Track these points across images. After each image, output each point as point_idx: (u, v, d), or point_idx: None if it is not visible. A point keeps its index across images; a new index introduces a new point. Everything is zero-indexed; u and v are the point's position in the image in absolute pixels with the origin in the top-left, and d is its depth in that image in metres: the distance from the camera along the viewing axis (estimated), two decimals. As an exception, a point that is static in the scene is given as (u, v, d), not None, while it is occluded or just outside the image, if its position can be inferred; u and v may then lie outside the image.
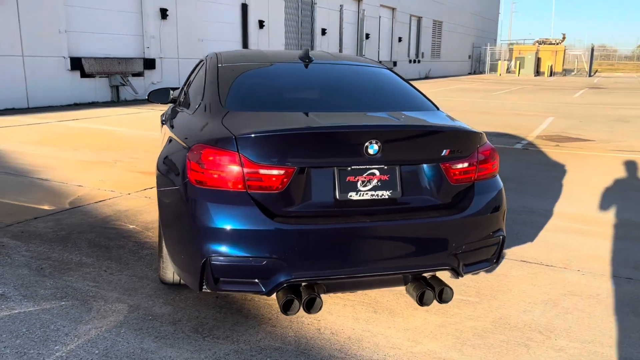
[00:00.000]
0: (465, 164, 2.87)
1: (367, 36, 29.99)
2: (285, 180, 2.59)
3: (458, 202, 2.86)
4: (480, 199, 2.88)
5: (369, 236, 2.63)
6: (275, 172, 2.58)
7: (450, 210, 2.82)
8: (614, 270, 3.81)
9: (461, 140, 2.88)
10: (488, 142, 3.07)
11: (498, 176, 3.12)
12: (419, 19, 38.07)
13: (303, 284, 2.69)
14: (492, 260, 3.02)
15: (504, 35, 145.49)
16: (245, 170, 2.57)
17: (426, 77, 38.28)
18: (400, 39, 34.74)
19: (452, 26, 44.36)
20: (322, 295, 3.25)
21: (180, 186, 2.71)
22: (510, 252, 4.14)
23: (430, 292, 2.78)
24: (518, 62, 44.17)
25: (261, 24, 21.16)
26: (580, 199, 5.80)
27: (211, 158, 2.59)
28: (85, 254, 3.88)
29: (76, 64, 14.22)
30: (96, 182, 6.08)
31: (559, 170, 7.24)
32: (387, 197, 2.74)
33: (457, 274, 2.85)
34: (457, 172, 2.85)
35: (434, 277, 2.92)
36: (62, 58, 13.88)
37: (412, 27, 36.76)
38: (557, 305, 3.27)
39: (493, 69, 48.65)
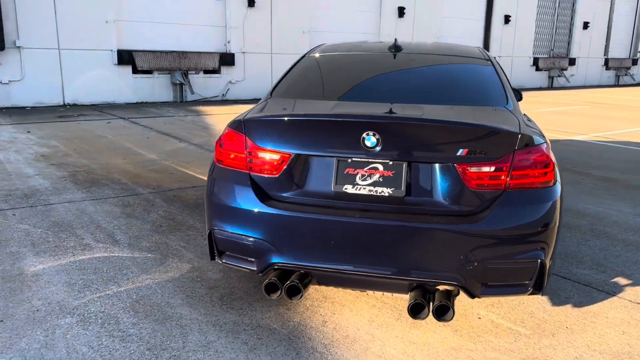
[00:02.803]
0: (491, 168, 2.48)
1: (647, 30, 25.65)
2: (281, 165, 2.64)
3: (476, 211, 2.49)
4: (507, 210, 2.45)
5: (360, 233, 2.50)
6: (272, 156, 2.65)
7: (462, 219, 2.48)
8: None
9: (487, 140, 2.48)
10: (541, 146, 2.57)
11: (555, 189, 2.58)
12: None
13: (298, 271, 2.70)
14: (526, 287, 2.54)
15: None
16: (249, 152, 2.70)
17: None
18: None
19: None
20: (352, 291, 3.17)
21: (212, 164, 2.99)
22: (632, 291, 3.33)
23: (422, 304, 2.50)
24: None
25: (507, 19, 20.01)
26: None
27: (227, 139, 2.79)
28: (199, 220, 4.47)
29: (127, 58, 12.58)
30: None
31: None
32: (387, 194, 2.55)
33: (469, 293, 2.50)
34: (477, 177, 2.48)
35: (445, 292, 2.60)
36: (110, 51, 12.39)
37: None
38: (631, 362, 2.56)
39: None
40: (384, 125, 2.52)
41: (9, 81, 11.50)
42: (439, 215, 2.50)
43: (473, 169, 2.48)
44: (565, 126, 10.87)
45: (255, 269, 2.71)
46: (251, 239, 2.66)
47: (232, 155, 2.77)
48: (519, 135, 2.50)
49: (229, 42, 14.21)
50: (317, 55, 3.72)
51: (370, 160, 2.56)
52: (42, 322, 2.79)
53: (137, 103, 13.01)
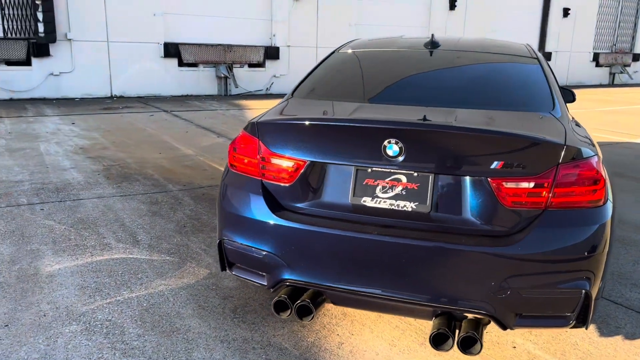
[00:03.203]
0: (530, 184, 2.17)
1: None
2: (295, 173, 2.42)
3: (511, 232, 2.20)
4: (547, 232, 2.15)
5: (379, 252, 2.25)
6: (285, 163, 2.43)
7: (495, 240, 2.19)
8: None
9: (526, 152, 2.18)
10: (590, 160, 2.24)
11: (605, 209, 2.25)
12: None
13: (310, 289, 2.48)
14: (568, 319, 2.23)
15: None
16: (262, 157, 2.49)
17: None
18: None
19: None
20: (376, 314, 2.93)
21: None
22: (692, 322, 2.93)
23: (446, 335, 2.22)
24: None
25: (566, 12, 19.02)
26: None
27: (242, 143, 2.59)
28: (224, 221, 4.32)
29: (173, 51, 12.61)
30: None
31: None
32: (410, 209, 2.29)
33: (500, 324, 2.21)
34: (514, 193, 2.18)
35: (474, 321, 2.31)
36: (157, 44, 12.45)
37: None
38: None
39: None
40: (408, 132, 2.25)
41: (60, 73, 11.77)
42: (469, 236, 2.22)
43: (509, 185, 2.18)
44: (625, 127, 10.16)
45: (265, 284, 2.51)
46: (261, 252, 2.45)
47: (245, 160, 2.57)
48: (564, 147, 2.19)
49: (274, 35, 14.08)
50: (346, 51, 3.47)
51: (392, 170, 2.30)
52: (46, 329, 2.68)
53: (181, 96, 13.08)
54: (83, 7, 11.70)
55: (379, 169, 2.32)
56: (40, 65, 11.56)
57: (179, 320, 2.82)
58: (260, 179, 2.51)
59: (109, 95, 12.34)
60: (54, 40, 11.47)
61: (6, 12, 11.06)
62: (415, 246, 2.20)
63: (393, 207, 2.31)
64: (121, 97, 12.37)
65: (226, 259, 2.63)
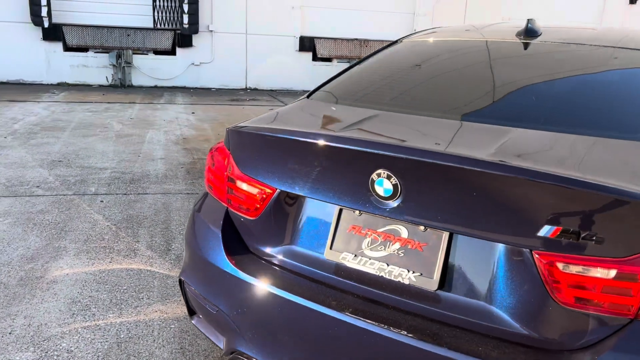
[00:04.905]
0: (610, 272, 1.22)
1: None
2: (261, 204, 1.71)
3: (574, 346, 1.27)
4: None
5: (355, 343, 1.47)
6: (249, 188, 1.74)
7: (543, 357, 1.28)
8: None
9: (607, 215, 1.23)
10: None
11: None
12: None
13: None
14: None
15: None
16: (229, 177, 1.83)
17: None
18: None
19: None
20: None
21: None
22: None
23: None
24: None
25: None
26: None
27: (218, 156, 1.95)
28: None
29: (308, 44, 12.38)
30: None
31: None
32: (408, 282, 1.46)
33: None
34: (577, 283, 1.25)
35: None
36: (292, 37, 12.30)
37: None
38: None
39: None
40: (407, 163, 1.42)
41: (200, 63, 12.16)
42: (499, 342, 1.34)
43: (570, 268, 1.25)
44: None
45: (222, 348, 1.85)
46: (215, 307, 1.80)
47: (214, 179, 1.92)
48: None
49: (415, 30, 13.15)
50: (412, 40, 2.64)
51: (388, 218, 1.49)
52: None
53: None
54: (226, -1, 11.94)
55: (370, 214, 1.52)
56: (183, 55, 12.04)
57: (146, 365, 2.28)
58: (225, 206, 1.86)
59: (244, 87, 12.48)
60: (196, 32, 11.87)
61: (157, 3, 11.66)
62: (406, 349, 1.38)
63: (383, 274, 1.50)
64: (255, 89, 12.43)
65: (187, 305, 2.02)
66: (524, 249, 1.30)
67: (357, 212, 1.55)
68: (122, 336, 2.47)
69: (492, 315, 1.36)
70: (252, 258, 1.75)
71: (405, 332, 1.39)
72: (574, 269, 1.25)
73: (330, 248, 1.59)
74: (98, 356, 2.32)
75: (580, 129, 1.64)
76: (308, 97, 2.23)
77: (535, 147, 1.54)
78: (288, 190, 1.65)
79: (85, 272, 3.06)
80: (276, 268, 1.69)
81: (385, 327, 1.42)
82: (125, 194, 4.47)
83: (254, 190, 1.72)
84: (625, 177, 1.33)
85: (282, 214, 1.69)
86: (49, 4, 10.80)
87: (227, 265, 1.72)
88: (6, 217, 3.81)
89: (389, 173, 1.41)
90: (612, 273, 1.22)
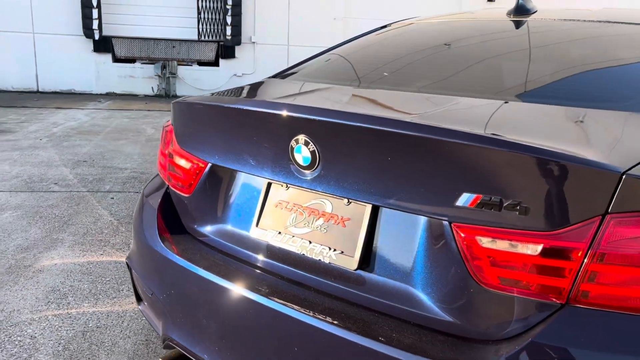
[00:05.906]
0: (538, 247, 1.03)
1: None
2: (193, 180, 1.60)
3: (496, 337, 1.08)
4: (571, 350, 0.99)
5: (272, 326, 1.32)
6: (185, 164, 1.63)
7: (466, 346, 1.09)
8: None
9: (532, 180, 1.03)
10: None
11: None
12: None
13: None
14: None
15: None
16: (169, 153, 1.73)
17: None
18: None
19: None
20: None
21: None
22: None
23: None
24: None
25: None
26: None
27: (163, 133, 1.86)
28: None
29: None
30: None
31: None
32: (328, 260, 1.30)
33: None
34: (503, 261, 1.06)
35: None
36: None
37: None
38: None
39: None
40: (325, 126, 1.26)
41: (242, 74, 12.31)
42: (418, 329, 1.16)
43: (490, 243, 1.06)
44: None
45: (160, 334, 1.74)
46: (149, 290, 1.69)
47: (160, 157, 1.84)
48: (622, 178, 0.98)
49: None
50: (401, 23, 2.49)
51: (313, 192, 1.35)
52: (-35, 334, 2.30)
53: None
54: (268, 11, 12.06)
55: (297, 187, 1.38)
56: (226, 66, 12.24)
57: (105, 355, 2.19)
58: (165, 183, 1.76)
59: (284, 97, 12.53)
60: (239, 43, 12.04)
61: (202, 16, 11.93)
62: (318, 332, 1.22)
63: (305, 252, 1.34)
64: (295, 100, 12.46)
65: (134, 290, 1.93)
66: (444, 222, 1.12)
67: (284, 185, 1.41)
68: (90, 325, 2.41)
69: (413, 298, 1.18)
70: (187, 238, 1.64)
71: (320, 316, 1.23)
72: (497, 245, 1.06)
73: (257, 225, 1.45)
74: (60, 343, 2.26)
75: (536, 99, 1.46)
76: (274, 76, 2.12)
77: (472, 114, 1.36)
78: (217, 163, 1.53)
79: (74, 262, 3.04)
80: (206, 248, 1.56)
81: (302, 310, 1.26)
82: (137, 192, 4.48)
83: (188, 165, 1.61)
84: (566, 143, 1.14)
85: (214, 190, 1.57)
86: (100, 18, 11.25)
87: (158, 245, 1.61)
88: (16, 210, 3.87)
89: (306, 139, 1.27)
90: (539, 248, 1.02)
